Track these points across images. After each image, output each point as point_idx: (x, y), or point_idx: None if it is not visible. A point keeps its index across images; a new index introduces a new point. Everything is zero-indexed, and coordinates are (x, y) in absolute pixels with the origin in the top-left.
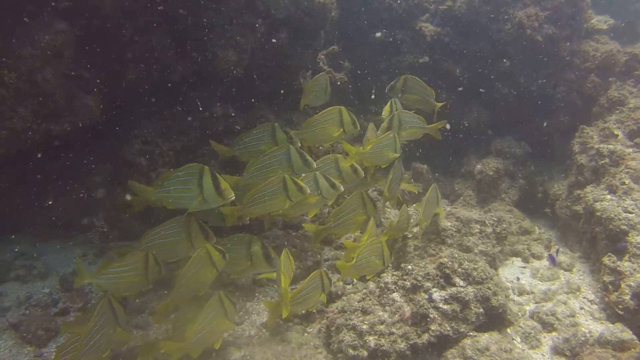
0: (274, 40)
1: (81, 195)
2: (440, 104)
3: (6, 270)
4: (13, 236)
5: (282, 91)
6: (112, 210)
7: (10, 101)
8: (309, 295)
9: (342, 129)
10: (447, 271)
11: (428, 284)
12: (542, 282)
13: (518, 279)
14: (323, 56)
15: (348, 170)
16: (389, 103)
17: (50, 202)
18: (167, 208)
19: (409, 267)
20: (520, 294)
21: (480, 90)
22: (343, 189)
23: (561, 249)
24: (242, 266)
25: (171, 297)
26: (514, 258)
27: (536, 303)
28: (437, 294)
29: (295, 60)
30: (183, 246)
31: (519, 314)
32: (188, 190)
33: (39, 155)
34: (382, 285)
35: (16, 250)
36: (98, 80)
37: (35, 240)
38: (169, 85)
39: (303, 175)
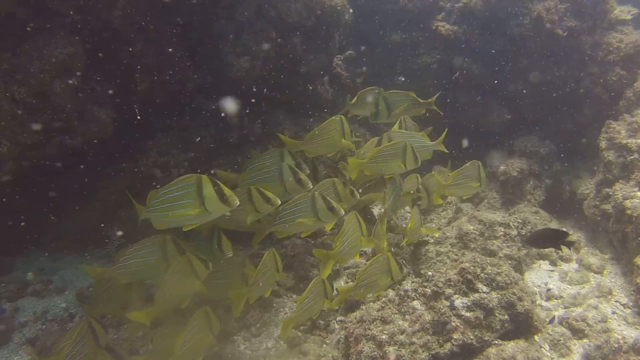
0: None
1: (98, 208)
2: (423, 102)
3: (23, 286)
4: (32, 250)
5: (299, 97)
6: (129, 223)
7: (20, 117)
8: (312, 303)
9: (343, 138)
10: (469, 277)
11: (449, 291)
12: (571, 286)
13: (545, 283)
14: (340, 61)
15: (346, 194)
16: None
17: (67, 216)
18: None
19: (429, 273)
20: (548, 298)
21: (501, 88)
22: (343, 213)
23: (590, 250)
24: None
25: (153, 307)
26: (541, 261)
27: (565, 308)
28: (459, 301)
29: (310, 65)
30: (159, 267)
31: (547, 320)
32: (184, 206)
33: (55, 169)
34: (402, 293)
35: (28, 271)
36: (110, 93)
37: (53, 255)
38: (183, 95)
39: (300, 195)
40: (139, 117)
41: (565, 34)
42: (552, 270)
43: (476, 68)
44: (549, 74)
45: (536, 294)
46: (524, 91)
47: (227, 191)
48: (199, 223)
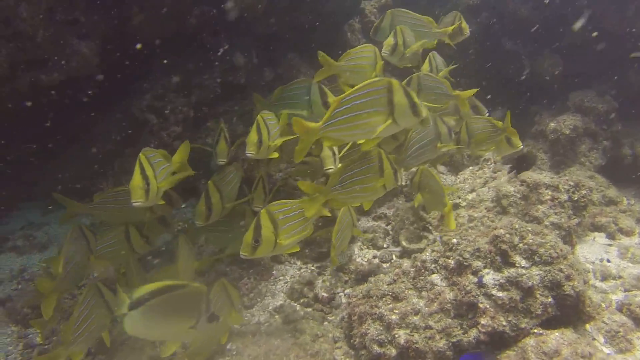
0: None
1: (89, 157)
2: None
3: (3, 240)
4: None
5: (321, 41)
6: (122, 175)
7: None
8: (344, 235)
9: (374, 72)
10: (504, 247)
11: (478, 264)
12: (634, 264)
13: (602, 259)
14: (375, 9)
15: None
16: (427, 60)
17: (58, 167)
18: None
19: (454, 240)
20: (605, 278)
21: (554, 33)
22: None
23: None
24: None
25: None
26: (596, 233)
27: (626, 291)
28: (489, 277)
29: (333, 5)
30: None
31: (603, 305)
32: (370, 115)
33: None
34: (419, 264)
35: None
36: (97, 26)
37: (44, 209)
38: (183, 31)
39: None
40: (131, 55)
41: None
42: (609, 245)
43: (525, 10)
44: (613, 16)
45: (589, 272)
46: (581, 37)
47: (416, 99)
48: (376, 141)
